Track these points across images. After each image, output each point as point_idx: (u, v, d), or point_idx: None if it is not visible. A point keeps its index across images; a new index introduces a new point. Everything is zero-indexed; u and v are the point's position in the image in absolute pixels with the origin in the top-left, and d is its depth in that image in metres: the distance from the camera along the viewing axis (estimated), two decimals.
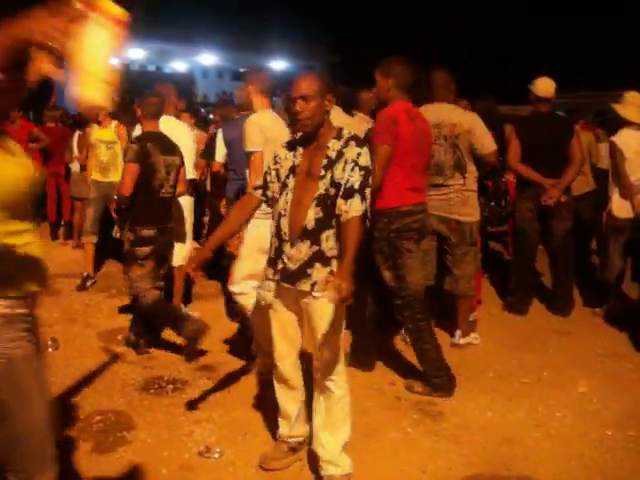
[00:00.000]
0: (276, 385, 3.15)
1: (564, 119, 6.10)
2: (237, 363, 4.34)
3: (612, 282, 5.53)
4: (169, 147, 4.47)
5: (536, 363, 4.50)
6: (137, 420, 3.59)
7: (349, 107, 6.06)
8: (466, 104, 5.76)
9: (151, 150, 4.30)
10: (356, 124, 6.02)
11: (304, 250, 2.84)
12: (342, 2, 20.40)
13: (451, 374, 3.99)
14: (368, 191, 2.82)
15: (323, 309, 2.83)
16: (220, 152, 5.29)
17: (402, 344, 4.66)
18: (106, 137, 6.55)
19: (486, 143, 4.64)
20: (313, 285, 2.83)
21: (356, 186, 2.76)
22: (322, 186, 2.82)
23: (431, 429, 3.52)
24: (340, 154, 2.81)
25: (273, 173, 2.99)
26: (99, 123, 6.56)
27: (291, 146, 2.99)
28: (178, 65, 16.74)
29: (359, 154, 2.80)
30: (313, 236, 2.84)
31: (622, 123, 5.43)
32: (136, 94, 4.66)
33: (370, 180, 2.84)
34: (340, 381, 2.97)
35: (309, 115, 2.81)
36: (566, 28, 21.88)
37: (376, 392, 3.97)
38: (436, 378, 3.92)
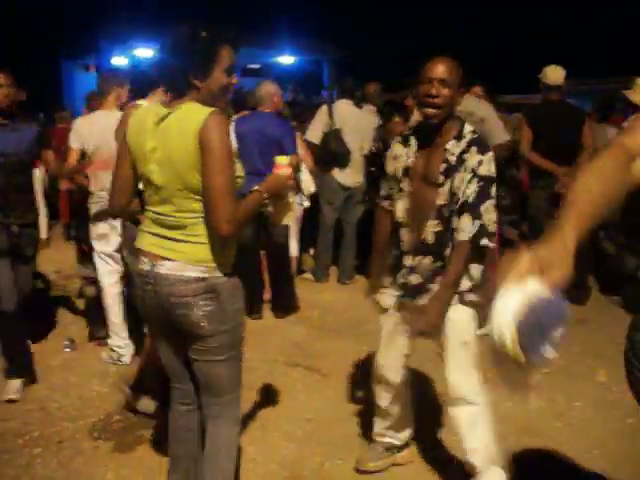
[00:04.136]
0: (375, 386, 2.94)
1: (575, 107, 6.04)
2: (255, 359, 4.34)
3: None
4: None
5: None
6: (156, 419, 3.60)
7: (358, 100, 6.08)
8: (480, 90, 5.68)
9: None
10: (364, 116, 6.06)
11: (426, 265, 2.59)
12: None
13: None
14: (487, 205, 2.45)
15: (454, 316, 2.60)
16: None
17: None
18: None
19: (499, 134, 4.60)
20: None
21: (470, 200, 2.44)
22: (442, 196, 2.49)
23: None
24: (461, 160, 2.46)
25: (391, 174, 2.71)
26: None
27: (405, 141, 2.66)
28: None
29: (480, 162, 2.44)
30: (434, 251, 2.56)
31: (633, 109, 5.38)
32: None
33: (492, 190, 2.47)
34: (480, 390, 2.77)
35: (444, 102, 2.43)
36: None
37: None
38: None
